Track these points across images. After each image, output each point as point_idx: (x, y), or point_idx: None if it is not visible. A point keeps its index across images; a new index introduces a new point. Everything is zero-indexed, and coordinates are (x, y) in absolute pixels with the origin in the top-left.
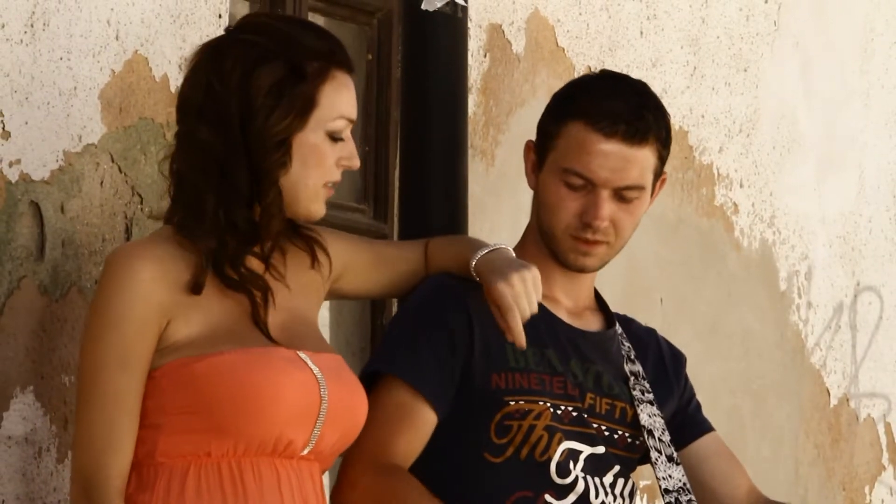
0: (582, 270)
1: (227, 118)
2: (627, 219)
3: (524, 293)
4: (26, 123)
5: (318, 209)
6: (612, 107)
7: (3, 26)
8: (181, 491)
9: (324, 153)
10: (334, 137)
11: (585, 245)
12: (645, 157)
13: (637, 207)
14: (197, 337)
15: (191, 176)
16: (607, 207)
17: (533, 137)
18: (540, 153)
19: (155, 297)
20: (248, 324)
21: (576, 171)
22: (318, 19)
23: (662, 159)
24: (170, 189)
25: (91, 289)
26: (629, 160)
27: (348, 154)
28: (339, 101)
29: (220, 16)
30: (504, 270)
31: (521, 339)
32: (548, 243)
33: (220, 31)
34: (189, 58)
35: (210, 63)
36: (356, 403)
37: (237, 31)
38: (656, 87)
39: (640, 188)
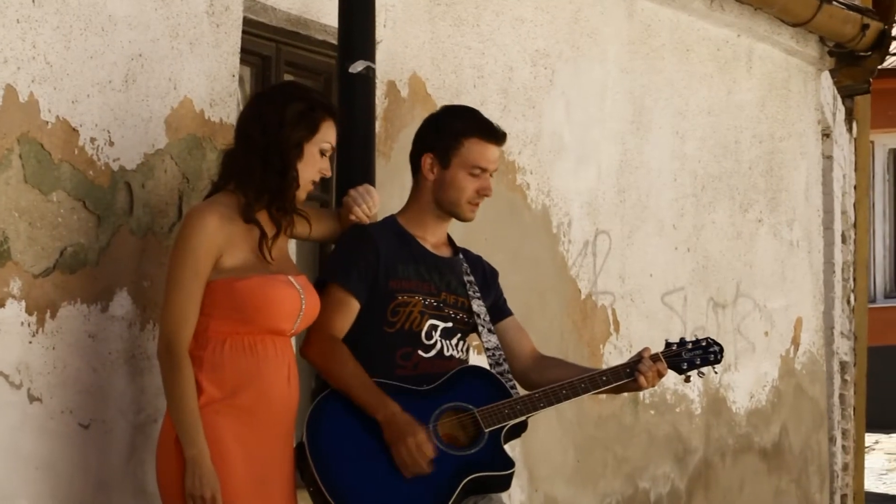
0: (470, 220)
1: (270, 129)
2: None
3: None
4: (123, 137)
5: (303, 196)
6: (489, 126)
7: (110, 81)
8: (221, 351)
9: (316, 160)
10: (322, 153)
11: (476, 207)
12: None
13: None
14: (237, 266)
15: (245, 160)
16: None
17: (408, 154)
18: (442, 159)
19: (215, 239)
20: (264, 261)
21: (480, 166)
22: (289, 78)
23: None
24: (220, 172)
25: (160, 233)
26: (499, 156)
27: (327, 166)
28: (329, 133)
29: (233, 75)
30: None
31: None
32: (449, 208)
33: (235, 86)
34: (249, 97)
35: (261, 101)
36: (316, 305)
37: (274, 88)
38: None
39: None
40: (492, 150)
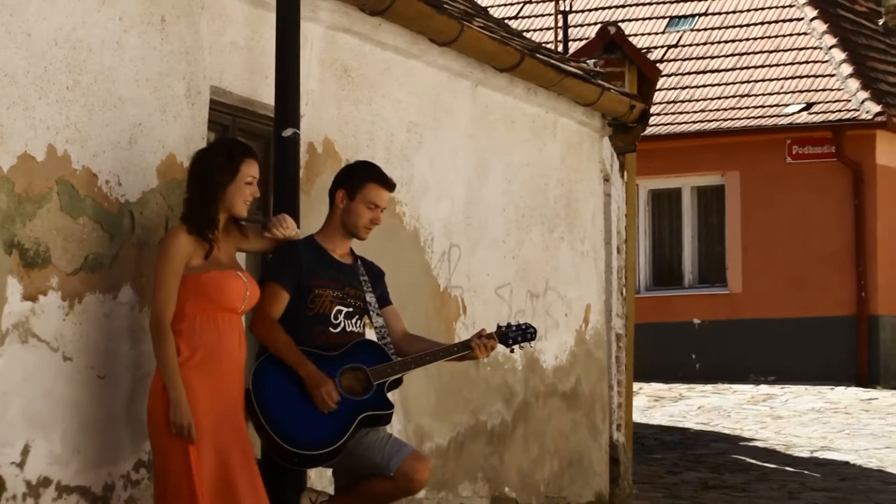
0: (363, 239)
1: (204, 174)
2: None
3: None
4: (128, 180)
5: (242, 212)
6: (385, 177)
7: (119, 142)
8: (193, 324)
9: (243, 190)
10: (248, 183)
11: (368, 230)
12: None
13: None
14: (199, 265)
15: (192, 199)
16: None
17: (324, 192)
18: (350, 194)
19: (185, 248)
20: (216, 261)
21: (375, 203)
22: (242, 138)
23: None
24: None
25: (153, 246)
26: (388, 198)
27: (253, 192)
28: (249, 169)
29: (203, 138)
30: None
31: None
32: (350, 229)
33: (204, 146)
34: (193, 154)
35: (201, 154)
36: (256, 292)
37: (211, 145)
38: None
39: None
40: (384, 194)
